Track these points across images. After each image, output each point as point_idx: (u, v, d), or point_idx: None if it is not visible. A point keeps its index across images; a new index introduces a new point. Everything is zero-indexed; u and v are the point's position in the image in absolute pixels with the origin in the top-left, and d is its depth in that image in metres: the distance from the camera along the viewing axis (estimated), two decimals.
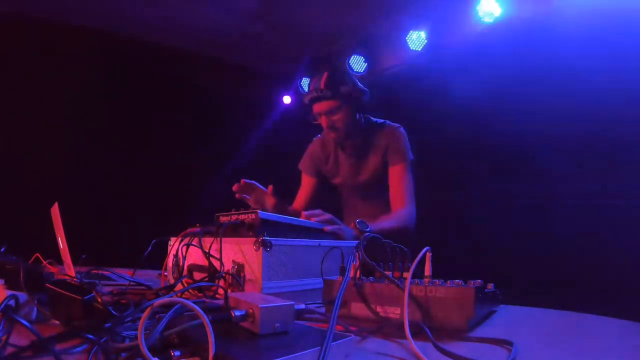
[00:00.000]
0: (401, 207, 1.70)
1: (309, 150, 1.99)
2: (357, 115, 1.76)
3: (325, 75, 1.66)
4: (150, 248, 1.08)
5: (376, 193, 1.82)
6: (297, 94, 4.21)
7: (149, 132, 3.53)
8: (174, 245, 1.07)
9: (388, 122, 1.84)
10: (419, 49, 3.19)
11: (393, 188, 1.74)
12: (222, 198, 1.68)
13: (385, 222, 1.56)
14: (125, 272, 1.16)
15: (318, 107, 1.70)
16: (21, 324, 0.52)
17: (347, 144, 1.80)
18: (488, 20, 2.77)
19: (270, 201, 1.68)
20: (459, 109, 2.80)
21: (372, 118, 1.85)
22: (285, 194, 2.00)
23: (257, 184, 1.70)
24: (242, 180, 1.68)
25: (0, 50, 2.92)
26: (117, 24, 3.38)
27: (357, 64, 3.57)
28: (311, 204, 1.95)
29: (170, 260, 1.09)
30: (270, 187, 1.67)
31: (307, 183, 1.98)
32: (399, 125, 1.83)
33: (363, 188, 1.86)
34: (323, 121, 1.72)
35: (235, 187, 1.68)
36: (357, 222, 1.35)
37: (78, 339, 0.52)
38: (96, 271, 1.18)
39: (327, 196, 1.99)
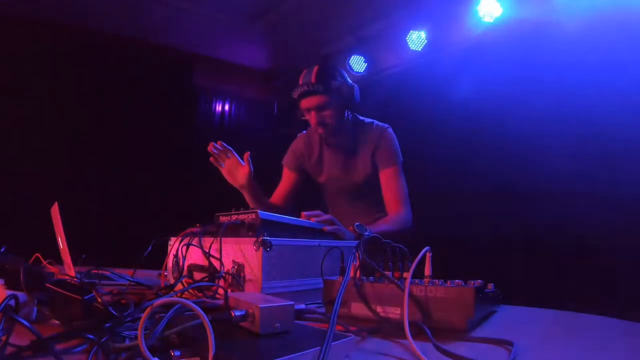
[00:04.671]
0: (397, 211, 1.67)
1: (292, 146, 1.94)
2: (346, 113, 1.72)
3: (315, 69, 1.61)
4: (150, 248, 1.08)
5: (366, 194, 1.79)
6: None
7: (149, 132, 3.53)
8: (174, 245, 1.07)
9: (376, 121, 1.80)
10: (419, 49, 3.19)
11: (387, 192, 1.71)
12: (222, 198, 1.68)
13: (383, 227, 1.54)
14: (125, 272, 1.16)
15: (307, 102, 1.63)
16: (21, 324, 0.52)
17: (334, 141, 1.76)
18: (488, 20, 2.77)
19: (244, 171, 1.64)
20: (458, 108, 2.80)
21: (359, 117, 1.81)
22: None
23: (233, 151, 1.66)
24: (219, 142, 1.64)
25: (0, 50, 2.92)
26: (117, 23, 3.38)
27: (357, 64, 3.56)
28: (288, 200, 1.90)
29: (170, 260, 1.09)
30: (247, 153, 1.63)
31: (287, 178, 1.92)
32: (387, 125, 1.78)
33: (353, 189, 1.81)
34: (312, 117, 1.65)
35: (210, 147, 1.64)
36: (356, 225, 1.34)
37: (78, 339, 0.52)
38: (96, 271, 1.18)
39: (311, 195, 1.96)
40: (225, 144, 1.66)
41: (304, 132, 1.95)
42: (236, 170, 1.67)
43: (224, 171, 1.68)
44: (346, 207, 1.87)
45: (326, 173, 1.85)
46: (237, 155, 1.67)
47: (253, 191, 1.69)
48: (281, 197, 1.91)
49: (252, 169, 1.64)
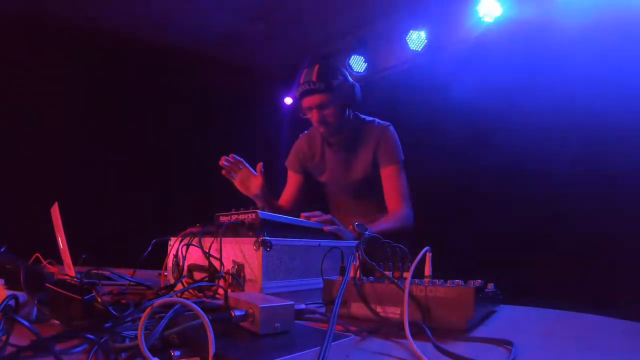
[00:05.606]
0: (398, 209, 1.67)
1: (294, 147, 1.94)
2: (347, 111, 1.73)
3: (316, 68, 1.62)
4: (150, 248, 1.08)
5: (367, 193, 1.79)
6: None
7: (149, 132, 3.53)
8: (174, 245, 1.07)
9: (377, 120, 1.80)
10: (419, 49, 3.19)
11: (388, 190, 1.71)
12: (222, 198, 1.68)
13: (383, 225, 1.54)
14: (125, 272, 1.16)
15: (309, 101, 1.64)
16: (21, 324, 0.52)
17: (335, 139, 1.76)
18: (488, 20, 2.77)
19: (257, 181, 1.65)
20: (458, 108, 2.79)
21: (360, 115, 1.81)
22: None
23: (245, 162, 1.67)
24: (231, 155, 1.66)
25: (0, 49, 2.92)
26: (117, 23, 3.37)
27: (357, 64, 3.56)
28: (296, 202, 1.90)
29: (170, 260, 1.09)
30: (260, 164, 1.64)
31: (292, 180, 1.93)
32: (389, 123, 1.78)
33: (354, 188, 1.81)
34: (313, 115, 1.66)
35: (222, 161, 1.65)
36: (356, 224, 1.34)
37: (78, 339, 0.53)
38: (96, 271, 1.18)
39: (315, 196, 1.96)
40: (236, 156, 1.68)
41: (306, 132, 1.95)
42: (249, 181, 1.68)
43: (236, 183, 1.70)
44: (347, 207, 1.87)
45: (328, 172, 1.85)
46: (248, 166, 1.68)
47: (267, 200, 1.71)
48: (288, 200, 1.91)
49: (264, 179, 1.65)
